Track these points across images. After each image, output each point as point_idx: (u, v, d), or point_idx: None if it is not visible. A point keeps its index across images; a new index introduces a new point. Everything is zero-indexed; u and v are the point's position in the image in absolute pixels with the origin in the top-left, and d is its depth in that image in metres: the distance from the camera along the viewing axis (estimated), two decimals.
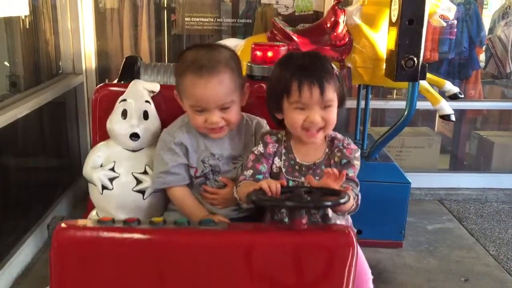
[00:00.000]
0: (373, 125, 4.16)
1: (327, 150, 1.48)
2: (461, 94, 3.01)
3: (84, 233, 1.18)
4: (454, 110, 2.94)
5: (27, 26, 3.01)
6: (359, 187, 1.44)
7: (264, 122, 1.64)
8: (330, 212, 1.44)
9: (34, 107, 2.73)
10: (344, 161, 1.45)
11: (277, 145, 1.49)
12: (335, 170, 1.30)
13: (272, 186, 1.26)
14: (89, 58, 3.37)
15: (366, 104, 3.23)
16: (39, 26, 3.17)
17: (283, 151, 1.49)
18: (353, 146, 1.49)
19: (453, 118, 2.93)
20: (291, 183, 1.46)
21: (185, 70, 1.46)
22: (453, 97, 2.99)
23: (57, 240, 1.14)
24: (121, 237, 1.17)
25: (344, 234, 1.20)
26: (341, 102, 1.45)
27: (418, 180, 3.45)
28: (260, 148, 1.48)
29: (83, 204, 2.07)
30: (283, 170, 1.47)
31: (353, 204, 1.37)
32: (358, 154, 1.48)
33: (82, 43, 3.31)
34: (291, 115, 1.41)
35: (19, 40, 3.06)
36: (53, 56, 3.30)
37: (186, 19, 3.65)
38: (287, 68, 1.42)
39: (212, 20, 3.64)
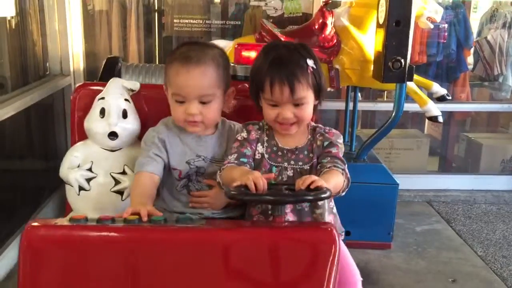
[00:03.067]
0: (363, 127, 4.17)
1: (309, 136, 1.51)
2: (448, 96, 3.02)
3: (56, 232, 1.13)
4: (442, 112, 2.95)
5: (14, 27, 2.99)
6: (345, 165, 1.45)
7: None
8: (320, 202, 1.43)
9: (21, 108, 2.70)
10: (326, 142, 1.48)
11: (259, 131, 1.51)
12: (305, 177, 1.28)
13: (259, 183, 1.23)
14: (77, 59, 3.35)
15: (354, 105, 3.23)
16: (26, 27, 3.15)
17: (265, 138, 1.51)
18: (335, 131, 1.52)
19: (440, 119, 2.93)
20: (274, 169, 1.47)
21: (172, 60, 1.49)
22: (441, 99, 3.01)
23: (27, 239, 1.09)
24: (94, 235, 1.13)
25: (325, 231, 1.19)
26: (318, 95, 1.47)
27: (407, 182, 3.47)
28: (244, 134, 1.51)
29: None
30: (266, 156, 1.49)
31: (344, 180, 1.38)
32: (340, 139, 1.51)
33: (70, 45, 3.29)
34: (265, 110, 1.47)
35: (5, 41, 3.04)
36: (41, 57, 3.28)
37: (175, 20, 3.64)
38: (265, 59, 1.45)
39: (202, 22, 3.64)
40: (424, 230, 3.23)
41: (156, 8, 3.85)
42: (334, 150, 1.46)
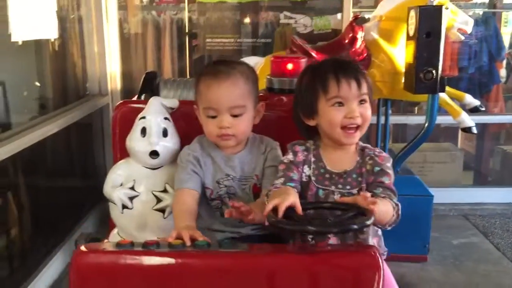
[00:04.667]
0: (394, 141, 4.16)
1: (358, 158, 1.45)
2: (482, 107, 3.01)
3: (103, 257, 1.17)
4: (476, 124, 2.94)
5: (56, 50, 3.14)
6: (396, 196, 1.39)
7: (276, 143, 1.61)
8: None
9: (62, 126, 2.82)
10: (377, 168, 1.41)
11: (306, 153, 1.47)
12: (368, 193, 1.26)
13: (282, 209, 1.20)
14: (114, 79, 3.48)
15: (386, 119, 3.25)
16: (67, 49, 3.31)
17: (313, 159, 1.46)
18: (385, 154, 1.46)
19: (474, 130, 2.92)
20: (321, 192, 1.43)
21: (202, 75, 1.52)
22: (474, 110, 2.99)
23: (76, 263, 1.14)
24: (140, 261, 1.16)
25: (370, 256, 1.17)
26: (371, 101, 1.45)
27: (441, 196, 3.42)
28: (290, 156, 1.47)
29: (109, 222, 2.08)
30: (313, 178, 1.45)
31: (393, 215, 1.33)
32: (390, 163, 1.45)
33: (108, 66, 3.42)
34: (330, 113, 1.40)
35: (47, 63, 3.20)
36: (81, 78, 3.43)
37: (208, 40, 3.76)
38: (320, 69, 1.44)
39: (233, 40, 3.75)
40: (461, 244, 3.19)
41: (187, 31, 3.98)
42: (386, 181, 1.40)
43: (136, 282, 1.14)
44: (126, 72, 3.67)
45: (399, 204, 1.36)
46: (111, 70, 3.47)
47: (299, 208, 1.24)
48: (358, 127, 1.40)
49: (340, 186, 1.43)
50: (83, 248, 1.18)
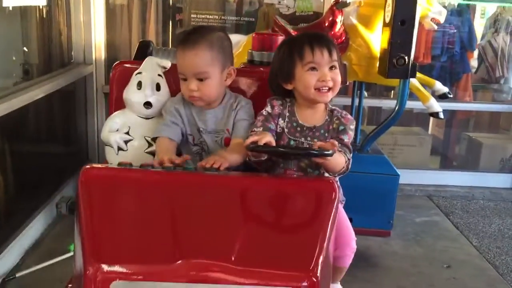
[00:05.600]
0: (369, 123, 4.33)
1: (327, 117, 1.67)
2: (450, 94, 3.18)
3: (107, 172, 1.37)
4: (444, 111, 3.11)
5: (43, 17, 3.18)
6: (351, 153, 1.63)
7: (248, 101, 1.79)
8: (325, 174, 1.62)
9: (47, 92, 2.88)
10: (341, 127, 1.64)
11: (282, 107, 1.68)
12: (332, 141, 1.50)
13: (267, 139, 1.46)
14: (99, 49, 3.55)
15: (360, 100, 3.40)
16: (53, 17, 3.35)
17: (287, 114, 1.68)
18: (350, 117, 1.68)
19: (441, 116, 3.09)
20: (292, 142, 1.65)
21: (177, 45, 1.74)
22: (443, 97, 3.16)
23: (85, 176, 1.31)
24: (138, 176, 1.35)
25: (328, 182, 1.39)
26: (339, 71, 1.66)
27: (408, 177, 3.63)
28: (268, 109, 1.68)
29: None
30: (286, 130, 1.66)
31: (343, 167, 1.57)
32: (353, 125, 1.68)
33: (93, 35, 3.49)
34: (305, 77, 1.62)
35: (33, 30, 3.24)
36: (65, 46, 3.48)
37: (192, 15, 3.84)
38: (296, 41, 1.66)
39: (217, 17, 3.83)
40: (423, 221, 3.39)
41: (171, 5, 4.04)
42: (346, 139, 1.63)
43: (133, 195, 1.33)
44: (110, 42, 3.72)
45: (351, 160, 1.61)
46: (96, 39, 3.53)
47: (273, 142, 1.50)
48: (330, 89, 1.63)
49: (309, 138, 1.65)
50: (88, 166, 1.37)
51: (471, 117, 4.62)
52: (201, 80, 1.66)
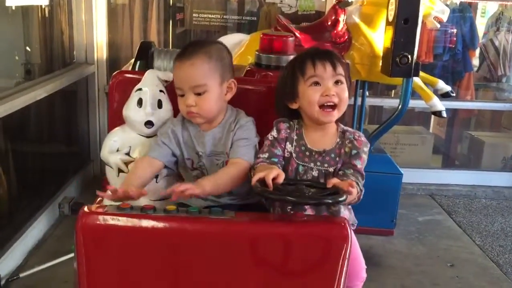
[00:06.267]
0: (371, 122, 4.33)
1: (338, 140, 1.56)
2: (452, 93, 3.18)
3: (105, 218, 1.29)
4: (447, 109, 3.11)
5: (45, 16, 3.17)
6: (364, 180, 1.52)
7: (248, 120, 1.64)
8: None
9: (49, 92, 2.88)
10: (354, 151, 1.52)
11: (289, 131, 1.57)
12: (350, 181, 1.38)
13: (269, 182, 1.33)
14: (100, 49, 3.54)
15: (363, 100, 3.39)
16: (55, 17, 3.34)
17: (295, 137, 1.57)
18: (363, 139, 1.56)
19: (444, 114, 3.09)
20: (301, 168, 1.54)
21: (175, 59, 1.63)
22: (445, 95, 3.16)
23: (82, 222, 1.27)
24: (139, 223, 1.29)
25: (340, 227, 1.32)
26: (348, 88, 1.55)
27: (410, 176, 3.61)
28: (274, 133, 1.57)
29: (91, 187, 2.12)
30: (294, 155, 1.56)
31: (354, 198, 1.43)
32: (367, 148, 1.56)
33: (95, 35, 3.48)
34: (308, 92, 1.52)
35: (35, 29, 3.23)
36: (67, 46, 3.47)
37: (194, 15, 3.83)
38: (299, 58, 1.58)
39: (219, 16, 3.82)
40: (426, 220, 3.39)
41: (171, 4, 4.04)
42: (359, 165, 1.51)
43: (133, 241, 1.28)
44: (112, 42, 3.72)
45: (363, 190, 1.51)
46: (98, 39, 3.52)
47: (281, 177, 1.37)
48: (335, 106, 1.51)
49: (318, 163, 1.54)
50: (86, 209, 1.31)
51: (473, 115, 4.61)
52: (199, 94, 1.56)
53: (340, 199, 1.31)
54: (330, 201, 1.33)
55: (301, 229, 1.33)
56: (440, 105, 3.06)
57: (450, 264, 2.82)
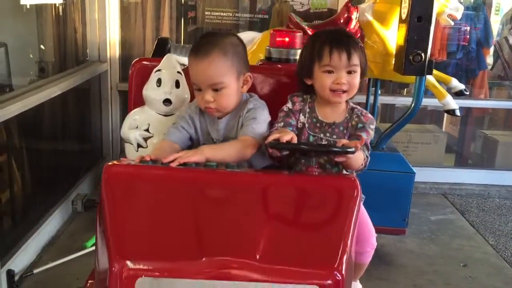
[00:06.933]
0: (382, 121, 4.31)
1: (347, 115, 1.66)
2: (466, 91, 3.16)
3: (129, 169, 1.36)
4: (460, 108, 3.08)
5: (59, 14, 3.20)
6: (369, 151, 1.62)
7: (260, 103, 1.68)
8: (343, 170, 1.62)
9: (63, 90, 2.90)
10: (360, 125, 1.63)
11: (303, 103, 1.68)
12: (356, 141, 1.49)
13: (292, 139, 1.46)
14: (113, 47, 3.56)
15: (375, 97, 3.38)
16: (69, 15, 3.37)
17: (308, 110, 1.68)
18: (370, 116, 1.67)
19: (458, 113, 3.07)
20: (311, 138, 1.65)
21: (190, 53, 1.65)
22: (459, 94, 3.14)
23: (107, 174, 1.31)
24: (160, 173, 1.35)
25: (349, 180, 1.38)
26: (362, 73, 1.63)
27: (423, 175, 3.60)
28: (289, 105, 1.68)
29: None
30: (306, 125, 1.66)
31: (362, 164, 1.56)
32: (373, 125, 1.65)
33: (108, 33, 3.50)
34: (321, 78, 1.61)
35: (49, 28, 3.26)
36: (80, 44, 3.49)
37: (206, 13, 3.84)
38: (319, 39, 1.64)
39: (231, 14, 3.83)
40: (438, 220, 3.37)
41: (183, 2, 4.05)
42: (364, 136, 1.60)
43: (156, 191, 1.31)
44: (125, 40, 3.74)
45: (369, 157, 1.60)
46: (111, 37, 3.54)
47: (295, 139, 1.48)
48: (345, 91, 1.60)
49: (328, 134, 1.65)
50: (111, 162, 1.37)
51: (486, 114, 4.57)
52: (216, 90, 1.58)
53: (349, 149, 1.40)
54: (339, 150, 1.42)
55: (314, 179, 1.41)
56: (453, 103, 3.04)
57: (463, 264, 2.80)
